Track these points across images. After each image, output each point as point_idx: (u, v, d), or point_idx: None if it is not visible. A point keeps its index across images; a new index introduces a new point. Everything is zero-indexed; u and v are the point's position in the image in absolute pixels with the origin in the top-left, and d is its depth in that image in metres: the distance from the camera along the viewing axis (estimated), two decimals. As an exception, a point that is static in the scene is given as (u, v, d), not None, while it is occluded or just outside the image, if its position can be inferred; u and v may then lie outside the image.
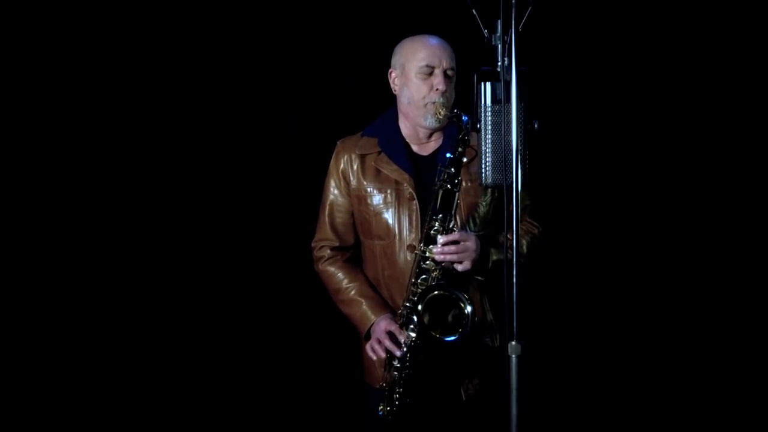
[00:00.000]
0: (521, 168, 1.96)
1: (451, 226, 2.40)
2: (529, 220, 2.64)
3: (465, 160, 2.38)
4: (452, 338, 2.34)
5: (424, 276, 2.43)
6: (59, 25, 3.37)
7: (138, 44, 3.45)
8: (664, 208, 3.63)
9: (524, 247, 2.57)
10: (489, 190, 2.53)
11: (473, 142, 2.35)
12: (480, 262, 2.44)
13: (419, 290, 2.40)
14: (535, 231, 2.63)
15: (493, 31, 2.02)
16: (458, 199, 2.40)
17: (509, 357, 1.92)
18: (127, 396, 3.49)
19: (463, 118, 2.37)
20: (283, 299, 3.58)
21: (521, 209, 2.31)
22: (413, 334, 2.40)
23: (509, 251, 1.95)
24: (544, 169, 2.31)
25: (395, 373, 2.46)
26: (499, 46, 2.00)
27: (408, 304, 2.44)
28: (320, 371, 3.58)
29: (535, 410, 2.07)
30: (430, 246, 2.40)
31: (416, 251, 2.44)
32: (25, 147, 3.39)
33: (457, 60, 2.56)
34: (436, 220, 2.40)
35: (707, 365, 3.60)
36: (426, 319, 2.35)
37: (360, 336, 2.63)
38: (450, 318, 2.38)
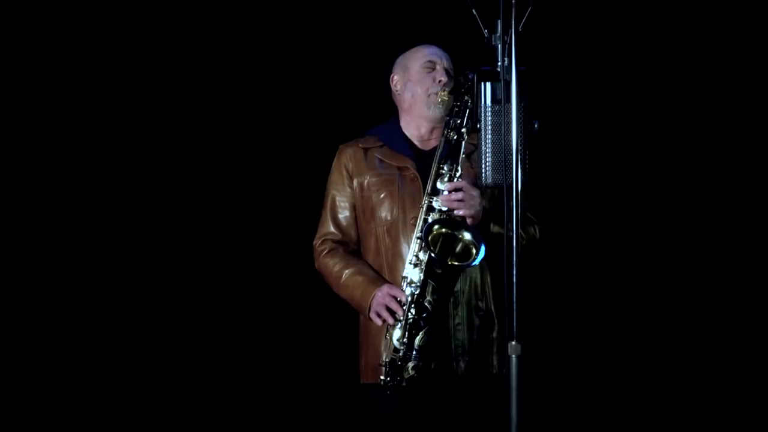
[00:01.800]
0: (521, 168, 1.96)
1: (457, 175, 2.46)
2: (528, 214, 2.64)
3: (471, 105, 2.44)
4: (476, 261, 2.37)
5: None
6: (59, 25, 3.37)
7: (138, 44, 3.45)
8: (664, 207, 3.62)
9: (527, 234, 2.60)
10: None
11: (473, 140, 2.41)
12: (481, 223, 2.47)
13: (422, 232, 2.43)
14: (534, 226, 2.64)
15: (493, 31, 2.02)
16: (464, 151, 2.46)
17: (509, 357, 1.92)
18: (121, 393, 3.48)
19: (470, 74, 2.44)
20: (282, 302, 3.58)
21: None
22: (417, 283, 2.42)
23: (509, 245, 1.95)
24: (544, 169, 2.32)
25: (398, 331, 2.44)
26: (499, 46, 2.00)
27: (412, 259, 2.46)
28: (319, 374, 3.57)
29: (535, 410, 2.07)
30: (435, 197, 2.46)
31: (422, 204, 2.49)
32: (25, 147, 3.39)
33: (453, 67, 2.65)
34: (442, 169, 2.46)
35: (707, 365, 3.59)
36: (437, 251, 2.39)
37: (363, 319, 2.61)
38: (458, 249, 2.42)
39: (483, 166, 2.06)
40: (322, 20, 3.52)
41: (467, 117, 2.46)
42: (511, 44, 1.94)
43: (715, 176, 3.59)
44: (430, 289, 2.43)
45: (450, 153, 2.47)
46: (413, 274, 2.46)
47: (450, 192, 2.45)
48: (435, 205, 2.46)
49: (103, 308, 3.47)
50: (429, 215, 2.47)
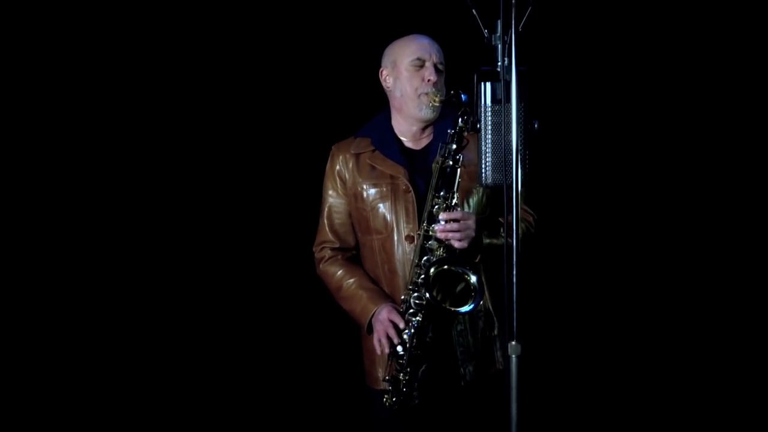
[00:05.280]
0: (521, 168, 1.96)
1: (453, 203, 2.42)
2: (524, 207, 2.64)
3: (466, 134, 2.41)
4: (467, 308, 2.36)
5: (427, 257, 2.43)
6: (59, 25, 3.38)
7: (138, 44, 3.45)
8: (664, 207, 3.63)
9: (520, 231, 2.59)
10: None
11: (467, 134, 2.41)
12: (474, 243, 2.46)
13: (423, 271, 2.41)
14: (530, 219, 2.63)
15: (493, 31, 2.02)
16: (459, 177, 2.42)
17: (509, 357, 1.92)
18: (119, 396, 3.50)
19: (462, 96, 2.40)
20: (285, 305, 3.58)
21: None
22: (418, 317, 2.40)
23: (509, 245, 1.95)
24: (543, 167, 2.32)
25: (401, 360, 2.44)
26: (499, 46, 2.00)
27: (411, 287, 2.44)
28: (322, 376, 3.57)
29: (535, 410, 2.07)
30: (433, 225, 2.42)
31: (419, 231, 2.46)
32: (25, 147, 3.39)
33: (445, 59, 2.61)
34: (438, 197, 2.43)
35: (707, 363, 3.60)
36: (435, 293, 2.37)
37: (362, 330, 2.61)
38: (457, 291, 2.40)
39: (483, 166, 2.07)
40: (322, 19, 3.52)
41: (462, 144, 2.41)
42: (511, 44, 1.94)
43: (714, 174, 3.60)
44: (431, 327, 2.43)
45: (445, 181, 2.43)
46: (412, 299, 2.44)
47: (446, 222, 2.41)
48: (431, 233, 2.43)
49: (111, 313, 3.49)
50: (426, 242, 2.44)
